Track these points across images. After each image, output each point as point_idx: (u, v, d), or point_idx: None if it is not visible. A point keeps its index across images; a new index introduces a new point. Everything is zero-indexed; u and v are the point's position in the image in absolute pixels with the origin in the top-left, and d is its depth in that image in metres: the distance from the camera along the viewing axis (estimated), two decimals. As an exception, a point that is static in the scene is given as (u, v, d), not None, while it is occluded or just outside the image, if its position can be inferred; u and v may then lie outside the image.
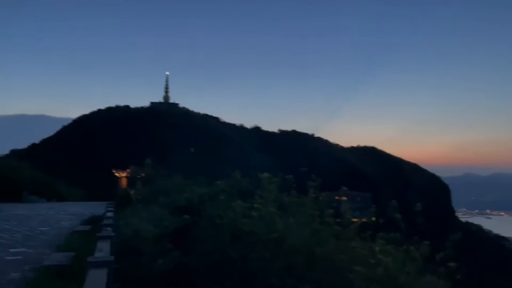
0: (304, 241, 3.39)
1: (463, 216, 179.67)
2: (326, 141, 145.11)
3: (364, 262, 3.44)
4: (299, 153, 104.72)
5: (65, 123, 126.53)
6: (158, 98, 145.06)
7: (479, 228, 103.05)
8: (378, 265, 3.36)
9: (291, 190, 4.29)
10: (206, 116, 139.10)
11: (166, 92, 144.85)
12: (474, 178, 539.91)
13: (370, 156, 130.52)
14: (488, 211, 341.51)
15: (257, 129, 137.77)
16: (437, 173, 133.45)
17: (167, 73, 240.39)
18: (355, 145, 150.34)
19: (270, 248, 3.37)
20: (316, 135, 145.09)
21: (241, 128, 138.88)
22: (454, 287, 3.75)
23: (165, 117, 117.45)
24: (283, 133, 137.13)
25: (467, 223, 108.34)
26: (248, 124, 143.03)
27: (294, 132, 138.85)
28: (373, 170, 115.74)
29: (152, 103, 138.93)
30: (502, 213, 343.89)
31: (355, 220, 4.23)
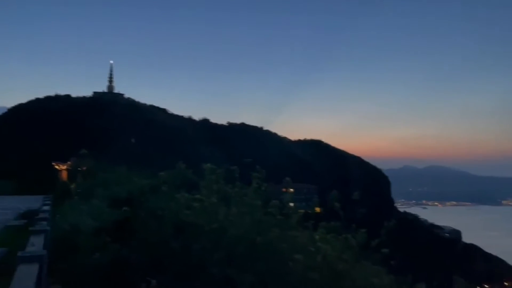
0: (245, 231, 3.41)
1: (401, 206, 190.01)
2: (275, 134, 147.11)
3: (305, 250, 3.52)
4: (247, 145, 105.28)
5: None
6: (102, 88, 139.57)
7: (415, 218, 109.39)
8: (317, 253, 3.45)
9: (236, 181, 4.29)
10: (153, 107, 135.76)
11: (110, 81, 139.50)
12: (412, 170, 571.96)
13: (317, 149, 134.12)
14: (424, 201, 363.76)
15: (205, 121, 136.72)
16: (379, 166, 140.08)
17: (111, 62, 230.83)
18: (302, 138, 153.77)
19: (212, 239, 3.36)
20: (265, 128, 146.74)
21: (189, 120, 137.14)
22: (388, 271, 3.93)
23: (109, 107, 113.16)
24: (232, 126, 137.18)
25: (405, 212, 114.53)
26: (197, 116, 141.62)
27: (243, 124, 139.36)
28: (319, 162, 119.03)
29: (95, 93, 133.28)
30: (437, 203, 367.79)
31: (301, 211, 4.32)
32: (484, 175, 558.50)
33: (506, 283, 71.27)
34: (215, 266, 3.18)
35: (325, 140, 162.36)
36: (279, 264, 3.35)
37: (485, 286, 67.95)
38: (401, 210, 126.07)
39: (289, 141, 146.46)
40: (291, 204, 4.19)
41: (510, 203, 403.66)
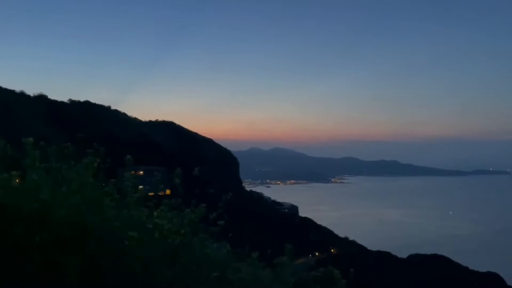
0: (75, 210, 3.13)
1: (248, 186, 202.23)
2: (124, 115, 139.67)
3: (142, 228, 3.41)
4: (92, 125, 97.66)
5: None
6: None
7: (260, 196, 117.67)
8: (155, 229, 3.39)
9: (69, 159, 3.88)
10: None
11: None
12: (258, 152, 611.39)
13: (169, 131, 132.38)
14: (268, 180, 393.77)
15: (42, 98, 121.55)
16: (229, 148, 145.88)
17: None
18: (154, 119, 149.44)
19: (34, 221, 2.99)
20: (114, 108, 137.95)
21: (22, 95, 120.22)
22: (226, 243, 4.08)
23: None
24: (74, 104, 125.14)
25: (251, 191, 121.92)
26: (32, 91, 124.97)
27: (87, 103, 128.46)
28: (171, 144, 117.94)
29: None
30: (279, 182, 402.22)
31: (150, 194, 4.16)
32: (318, 156, 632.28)
33: (332, 250, 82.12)
34: (36, 250, 2.85)
35: (178, 121, 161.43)
36: (113, 243, 3.18)
37: (316, 253, 77.39)
38: (248, 189, 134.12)
39: (140, 122, 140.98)
40: (136, 185, 4.00)
41: (337, 181, 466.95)
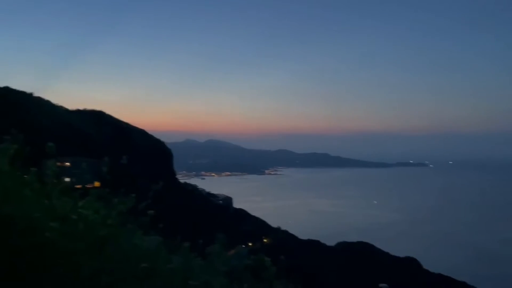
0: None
1: (182, 178, 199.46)
2: (48, 102, 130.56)
3: (65, 219, 3.23)
4: (12, 113, 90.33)
5: None
6: None
7: (194, 188, 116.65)
8: (79, 220, 3.22)
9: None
10: None
11: None
12: (193, 143, 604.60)
13: (98, 120, 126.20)
14: (203, 172, 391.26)
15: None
16: (162, 139, 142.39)
17: None
18: (82, 108, 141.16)
19: None
20: (37, 94, 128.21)
21: None
22: (161, 235, 4.01)
23: None
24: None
25: (185, 183, 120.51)
26: None
27: (6, 89, 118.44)
28: (101, 135, 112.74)
29: None
30: (214, 174, 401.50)
31: (78, 186, 3.93)
32: (253, 149, 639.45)
33: (265, 240, 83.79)
34: None
35: (108, 111, 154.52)
36: (32, 235, 2.98)
37: (249, 244, 78.56)
38: (182, 181, 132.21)
39: (67, 110, 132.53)
40: (59, 174, 3.76)
41: (271, 172, 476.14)
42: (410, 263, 75.45)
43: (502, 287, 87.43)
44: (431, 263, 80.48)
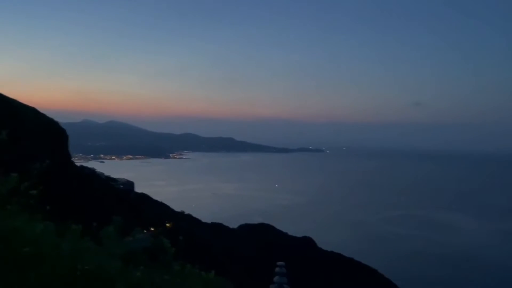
0: None
1: (79, 160, 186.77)
2: None
3: None
4: None
5: None
6: None
7: (92, 171, 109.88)
8: None
9: None
10: None
11: None
12: (92, 124, 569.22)
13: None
14: (102, 155, 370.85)
15: None
16: (57, 118, 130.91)
17: None
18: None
19: None
20: None
21: None
22: (45, 217, 3.74)
23: None
24: None
25: (82, 166, 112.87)
26: None
27: None
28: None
29: None
30: (114, 157, 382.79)
31: None
32: (157, 132, 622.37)
33: (168, 225, 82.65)
34: None
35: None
36: None
37: (151, 229, 76.92)
38: (79, 164, 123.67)
39: None
40: None
41: (176, 156, 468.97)
42: (307, 242, 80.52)
43: (383, 261, 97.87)
44: (325, 242, 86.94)
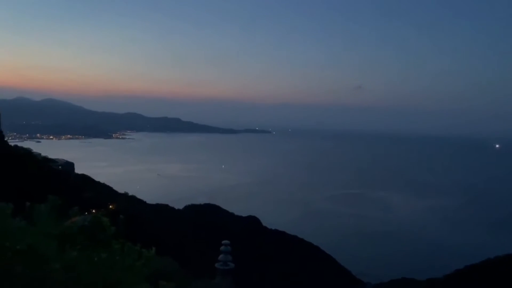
0: None
1: (12, 140, 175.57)
2: None
3: None
4: None
5: None
6: None
7: (28, 152, 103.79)
8: None
9: None
10: None
11: None
12: (27, 102, 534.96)
13: None
14: (38, 135, 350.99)
15: None
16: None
17: None
18: None
19: None
20: None
21: None
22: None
23: None
24: None
25: (16, 146, 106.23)
26: None
27: None
28: None
29: None
30: (52, 137, 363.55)
31: None
32: (98, 111, 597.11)
33: (111, 206, 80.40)
34: None
35: None
36: None
37: (93, 211, 74.53)
38: (13, 143, 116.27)
39: None
40: None
41: (119, 136, 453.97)
42: (252, 221, 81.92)
43: (327, 238, 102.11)
44: (269, 220, 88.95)
